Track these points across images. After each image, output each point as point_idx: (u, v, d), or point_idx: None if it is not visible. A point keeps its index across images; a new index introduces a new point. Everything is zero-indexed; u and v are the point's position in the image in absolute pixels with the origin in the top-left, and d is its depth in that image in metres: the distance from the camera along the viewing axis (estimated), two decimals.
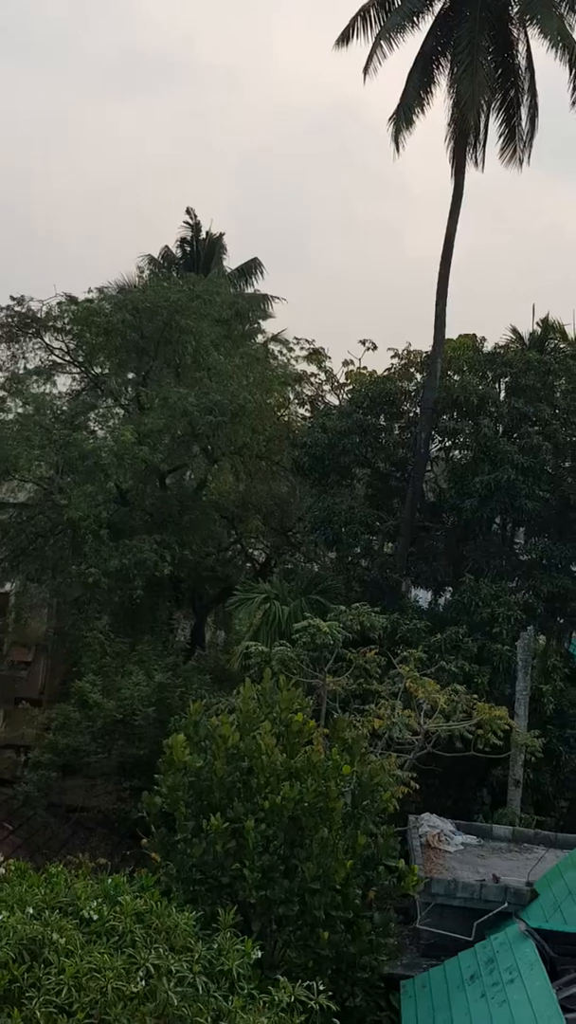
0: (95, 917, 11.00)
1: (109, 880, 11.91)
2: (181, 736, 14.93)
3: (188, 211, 41.40)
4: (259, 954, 11.43)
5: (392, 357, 29.92)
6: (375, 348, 31.16)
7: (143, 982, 10.10)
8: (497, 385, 29.13)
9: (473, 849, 18.61)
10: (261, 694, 15.88)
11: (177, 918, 11.28)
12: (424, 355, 28.91)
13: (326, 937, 13.27)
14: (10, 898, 11.16)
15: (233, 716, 15.36)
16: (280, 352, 35.45)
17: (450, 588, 27.00)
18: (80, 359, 31.80)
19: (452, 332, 29.45)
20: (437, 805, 22.01)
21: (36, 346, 31.35)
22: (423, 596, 28.44)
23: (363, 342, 31.19)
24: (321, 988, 11.17)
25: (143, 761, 21.61)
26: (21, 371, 31.21)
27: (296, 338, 34.57)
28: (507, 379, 28.77)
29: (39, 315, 30.68)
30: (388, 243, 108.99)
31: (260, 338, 37.71)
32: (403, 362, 29.66)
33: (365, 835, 14.31)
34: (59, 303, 30.82)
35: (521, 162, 28.94)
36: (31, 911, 10.75)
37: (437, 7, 28.32)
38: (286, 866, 13.64)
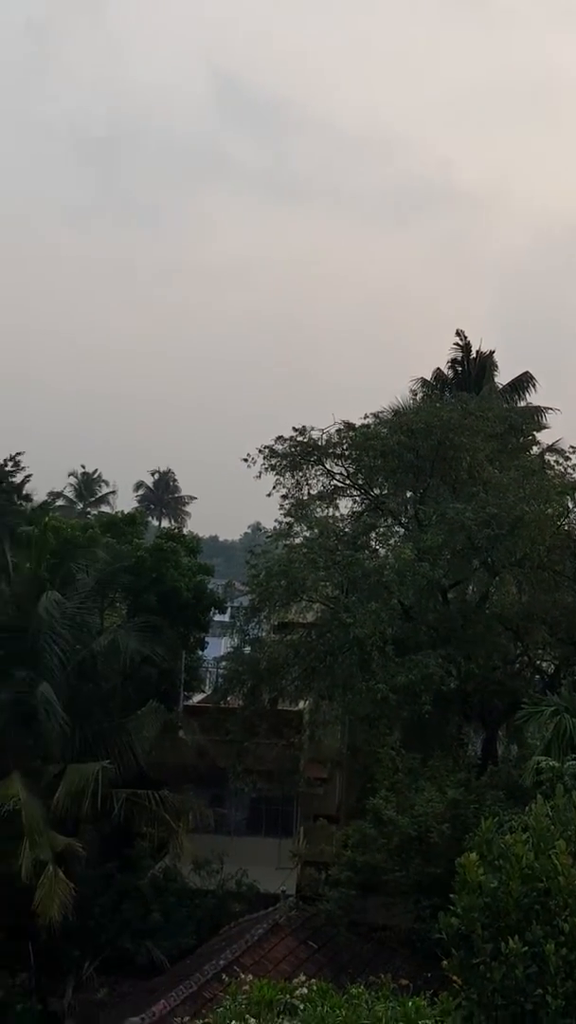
0: None
1: (410, 1003, 11.98)
2: (474, 855, 14.85)
3: (458, 333, 42.57)
4: None
5: None
6: None
7: None
8: None
9: None
10: (555, 811, 15.65)
11: None
12: None
13: None
14: (312, 1019, 11.40)
15: (527, 834, 15.21)
16: (557, 462, 35.32)
17: None
18: (360, 482, 32.92)
19: None
20: None
21: (318, 472, 32.77)
22: None
23: None
24: None
25: (440, 880, 21.44)
26: (305, 497, 32.66)
27: (573, 447, 34.46)
28: None
29: (319, 443, 32.15)
30: None
31: (535, 449, 37.73)
32: None
33: None
34: (337, 430, 32.22)
35: None
36: None
37: None
38: None
